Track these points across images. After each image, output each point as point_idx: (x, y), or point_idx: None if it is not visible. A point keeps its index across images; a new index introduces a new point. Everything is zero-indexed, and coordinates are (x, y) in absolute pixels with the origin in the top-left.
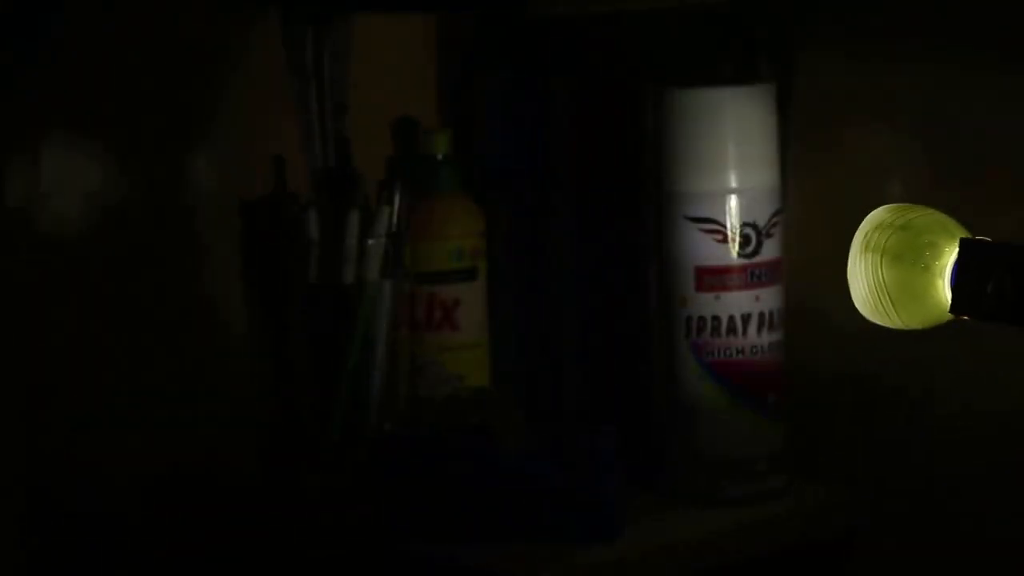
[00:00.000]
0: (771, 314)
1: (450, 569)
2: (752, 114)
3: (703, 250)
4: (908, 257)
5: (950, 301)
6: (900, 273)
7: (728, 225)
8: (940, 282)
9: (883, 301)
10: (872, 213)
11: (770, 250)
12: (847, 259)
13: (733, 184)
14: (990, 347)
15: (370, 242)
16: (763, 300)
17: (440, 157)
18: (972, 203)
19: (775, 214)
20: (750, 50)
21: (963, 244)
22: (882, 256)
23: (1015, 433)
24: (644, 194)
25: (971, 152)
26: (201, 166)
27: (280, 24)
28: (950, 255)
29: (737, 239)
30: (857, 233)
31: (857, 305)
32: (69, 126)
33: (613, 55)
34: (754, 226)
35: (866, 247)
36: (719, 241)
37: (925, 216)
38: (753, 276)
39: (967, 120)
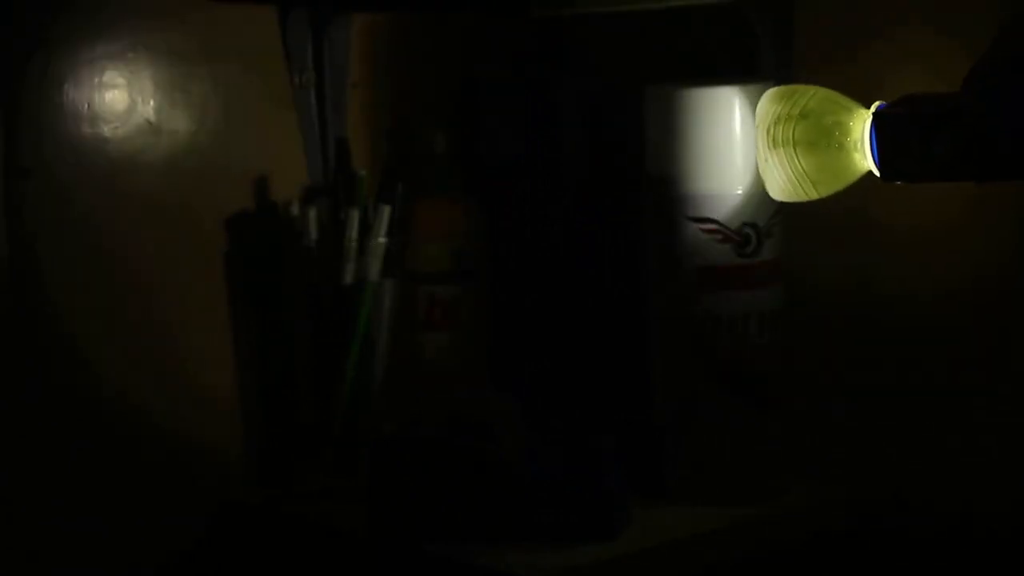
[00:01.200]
0: (771, 314)
1: (450, 569)
2: (752, 114)
3: (703, 250)
4: (821, 142)
5: (879, 171)
6: (817, 158)
7: (728, 225)
8: (856, 155)
9: (804, 185)
10: (760, 108)
11: (770, 250)
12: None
13: (733, 184)
14: (993, 346)
15: (370, 242)
16: (763, 300)
17: (440, 157)
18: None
19: (775, 214)
20: (750, 49)
21: (877, 117)
22: (795, 147)
23: (1015, 431)
24: (644, 194)
25: None
26: (197, 168)
27: (280, 24)
28: (858, 129)
29: (737, 239)
30: (757, 131)
31: (773, 195)
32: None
33: (613, 55)
34: (754, 226)
35: (774, 143)
36: (719, 241)
37: (814, 98)
38: (753, 276)
39: None
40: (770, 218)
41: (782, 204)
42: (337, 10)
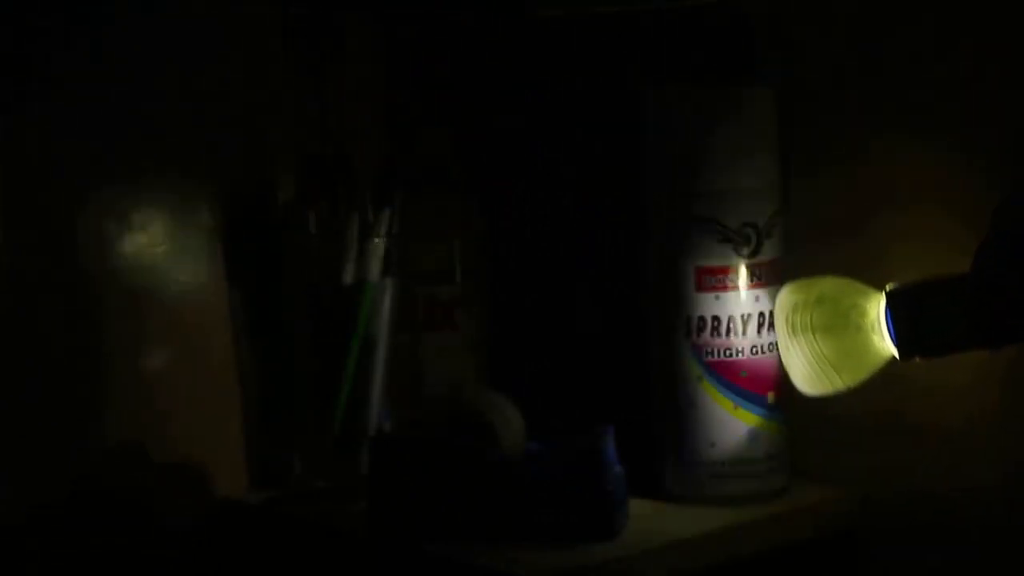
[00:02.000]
0: (771, 314)
1: (450, 569)
2: (752, 113)
3: (703, 250)
4: (839, 325)
5: (897, 349)
6: (836, 342)
7: (728, 225)
8: (875, 337)
9: (827, 372)
10: (779, 299)
11: (770, 250)
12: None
13: (733, 184)
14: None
15: (370, 242)
16: (763, 300)
17: (440, 157)
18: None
19: (775, 214)
20: (751, 49)
21: (890, 297)
22: (814, 333)
23: (1014, 432)
24: (644, 194)
25: (980, 148)
26: (197, 168)
27: (280, 24)
28: (874, 311)
29: (737, 239)
30: (777, 321)
31: (799, 385)
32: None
33: (613, 55)
34: (754, 226)
35: (794, 331)
36: (719, 241)
37: (831, 284)
38: (753, 276)
39: (977, 116)
40: (770, 218)
41: (782, 204)
42: (337, 10)
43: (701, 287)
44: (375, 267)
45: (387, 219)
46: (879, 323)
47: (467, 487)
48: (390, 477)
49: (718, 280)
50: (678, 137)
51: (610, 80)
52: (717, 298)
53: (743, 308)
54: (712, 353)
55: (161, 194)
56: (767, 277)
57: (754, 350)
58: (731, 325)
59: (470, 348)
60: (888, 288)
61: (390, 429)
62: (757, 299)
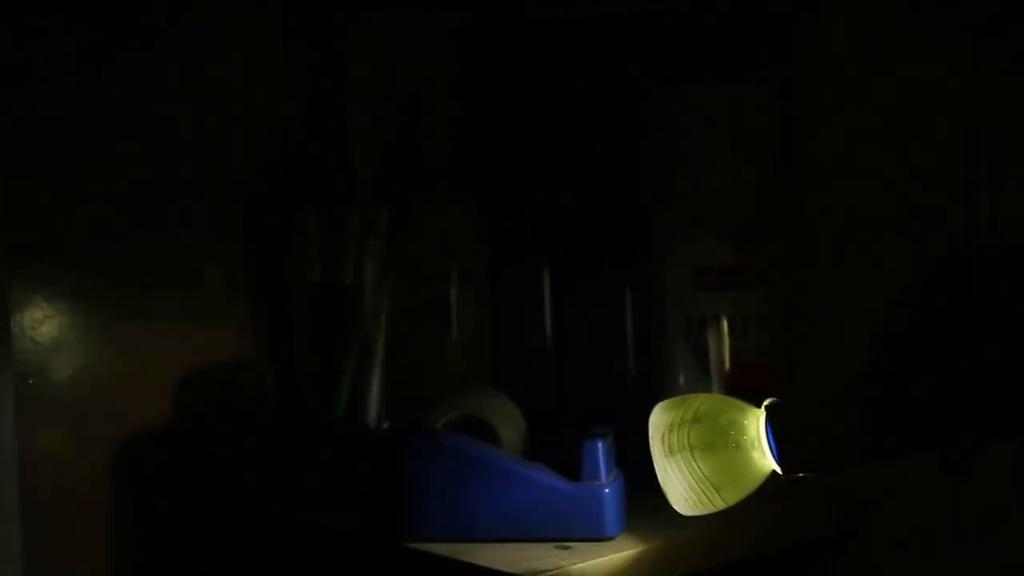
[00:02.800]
0: (771, 314)
1: (450, 569)
2: (752, 114)
3: (703, 250)
4: (718, 443)
5: (779, 465)
6: (716, 459)
7: (728, 225)
8: (755, 453)
9: (706, 492)
10: (652, 419)
11: (770, 250)
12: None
13: (733, 184)
14: None
15: (370, 242)
16: (763, 300)
17: (440, 157)
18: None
19: (775, 214)
20: (751, 49)
21: (770, 411)
22: (692, 452)
23: None
24: (644, 194)
25: (980, 150)
26: (197, 169)
27: (280, 24)
28: (753, 427)
29: (737, 239)
30: (652, 442)
31: (677, 507)
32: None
33: (613, 55)
34: (754, 226)
35: (671, 451)
36: (719, 241)
37: (707, 401)
38: (753, 276)
39: (977, 116)
40: (770, 218)
41: (782, 203)
42: (337, 10)
43: (701, 287)
44: (375, 267)
45: (387, 219)
46: (759, 439)
47: (466, 487)
48: (390, 477)
49: (718, 280)
50: (678, 137)
51: (610, 80)
52: (717, 298)
53: (743, 308)
54: (711, 352)
55: (161, 194)
56: (767, 277)
57: (754, 350)
58: (731, 325)
59: (470, 348)
60: (767, 403)
61: (391, 429)
62: (757, 299)
